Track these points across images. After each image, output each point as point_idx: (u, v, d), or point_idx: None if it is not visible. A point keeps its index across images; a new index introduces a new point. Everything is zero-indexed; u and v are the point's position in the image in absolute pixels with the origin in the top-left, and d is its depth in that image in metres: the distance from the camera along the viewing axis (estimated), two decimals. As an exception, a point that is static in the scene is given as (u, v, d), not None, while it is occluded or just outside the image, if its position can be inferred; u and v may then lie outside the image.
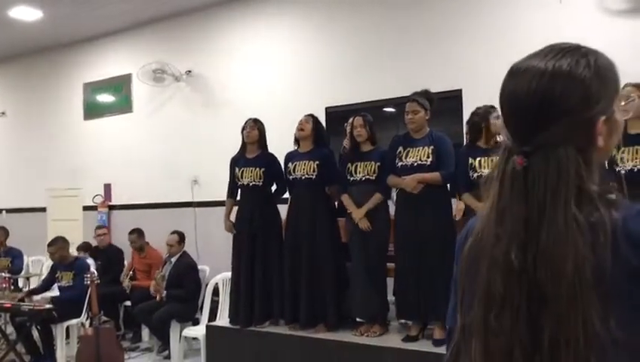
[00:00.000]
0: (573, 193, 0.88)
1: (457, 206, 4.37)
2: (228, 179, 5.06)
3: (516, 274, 0.88)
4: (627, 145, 3.61)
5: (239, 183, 4.88)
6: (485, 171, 3.95)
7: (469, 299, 0.95)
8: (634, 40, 4.83)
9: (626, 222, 0.86)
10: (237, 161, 4.94)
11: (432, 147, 4.18)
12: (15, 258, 6.99)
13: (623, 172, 3.60)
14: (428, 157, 4.17)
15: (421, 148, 4.20)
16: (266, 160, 4.86)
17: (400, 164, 4.25)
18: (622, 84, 0.98)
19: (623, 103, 0.82)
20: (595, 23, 4.94)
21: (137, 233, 6.68)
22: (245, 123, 4.93)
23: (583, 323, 0.83)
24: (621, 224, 0.86)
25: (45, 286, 6.03)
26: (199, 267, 6.03)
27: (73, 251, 6.65)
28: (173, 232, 6.07)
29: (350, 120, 4.65)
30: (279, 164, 4.87)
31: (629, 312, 0.85)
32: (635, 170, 3.56)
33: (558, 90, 0.91)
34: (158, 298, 5.69)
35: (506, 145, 0.96)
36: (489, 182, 0.97)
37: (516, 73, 0.96)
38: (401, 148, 4.28)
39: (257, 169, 4.79)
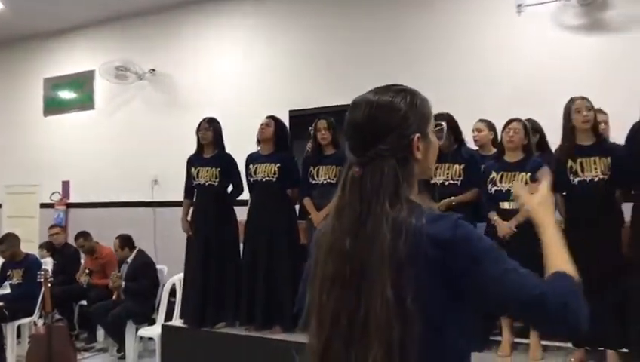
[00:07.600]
0: (389, 195, 1.17)
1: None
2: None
3: (347, 256, 1.16)
4: (582, 156, 3.70)
5: (195, 183, 4.87)
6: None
7: (312, 281, 1.23)
8: (588, 55, 5.00)
9: (427, 227, 1.14)
10: (193, 161, 4.93)
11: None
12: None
13: (576, 182, 3.70)
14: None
15: None
16: (222, 160, 4.86)
17: None
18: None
19: (435, 129, 1.26)
20: (552, 39, 5.11)
21: (83, 236, 6.51)
22: (200, 123, 4.91)
23: (382, 291, 1.11)
24: (424, 227, 1.14)
25: (-4, 285, 5.87)
26: (157, 267, 5.96)
27: (33, 250, 6.50)
28: (117, 236, 5.95)
29: (314, 123, 4.69)
30: (236, 165, 4.88)
31: (426, 292, 1.12)
32: (596, 179, 3.66)
33: (381, 115, 1.23)
34: (115, 296, 5.62)
35: (348, 159, 1.25)
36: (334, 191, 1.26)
37: (354, 104, 1.28)
38: None
39: (213, 169, 4.79)
